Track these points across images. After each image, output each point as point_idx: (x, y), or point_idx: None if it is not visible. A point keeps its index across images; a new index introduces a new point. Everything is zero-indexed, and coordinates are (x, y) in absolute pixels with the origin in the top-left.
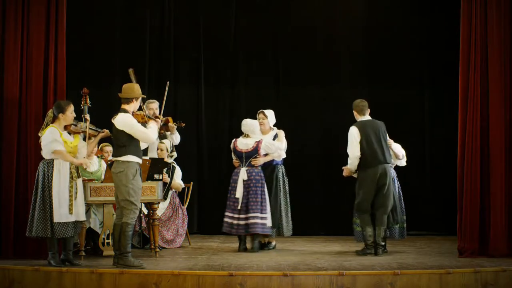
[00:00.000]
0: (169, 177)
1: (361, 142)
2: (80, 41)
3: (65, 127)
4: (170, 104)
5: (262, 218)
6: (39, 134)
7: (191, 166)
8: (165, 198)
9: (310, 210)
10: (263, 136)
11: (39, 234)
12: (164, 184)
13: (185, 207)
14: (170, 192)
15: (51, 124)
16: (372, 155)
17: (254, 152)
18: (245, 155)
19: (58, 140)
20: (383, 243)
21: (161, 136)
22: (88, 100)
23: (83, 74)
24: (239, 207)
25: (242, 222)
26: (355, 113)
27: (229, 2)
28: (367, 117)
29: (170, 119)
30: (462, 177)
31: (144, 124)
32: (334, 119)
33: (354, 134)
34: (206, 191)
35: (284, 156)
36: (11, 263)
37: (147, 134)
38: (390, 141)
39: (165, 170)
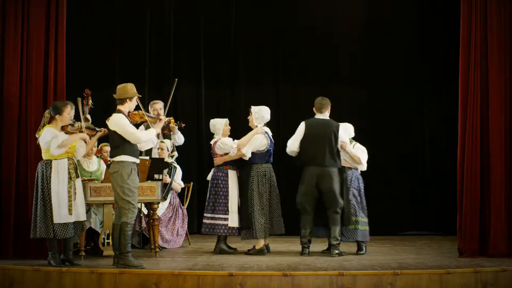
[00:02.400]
0: (169, 177)
1: (303, 140)
2: (80, 41)
3: (62, 128)
4: (170, 104)
5: (211, 218)
6: (36, 135)
7: (191, 166)
8: (165, 198)
9: None
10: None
11: (42, 235)
12: (165, 185)
13: (185, 207)
14: (170, 192)
15: (47, 125)
16: (311, 155)
17: (212, 153)
18: (212, 155)
19: (56, 135)
20: (335, 243)
21: (165, 136)
22: (90, 101)
23: (83, 74)
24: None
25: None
26: (314, 109)
27: (229, 2)
28: (323, 115)
29: (171, 119)
30: (462, 177)
31: (142, 124)
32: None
33: (299, 129)
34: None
35: (246, 156)
36: (11, 263)
37: (136, 135)
38: (344, 145)
39: (166, 171)
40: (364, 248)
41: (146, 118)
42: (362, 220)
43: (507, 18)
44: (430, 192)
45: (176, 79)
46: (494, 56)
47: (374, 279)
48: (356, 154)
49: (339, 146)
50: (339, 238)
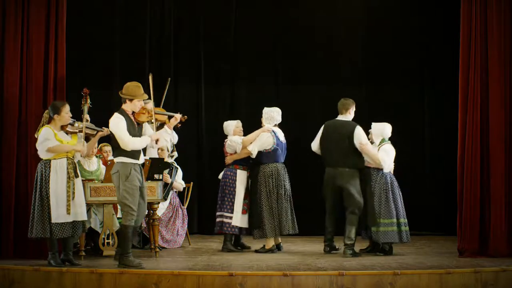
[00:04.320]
0: (170, 178)
1: (321, 141)
2: (80, 41)
3: (62, 127)
4: (170, 104)
5: (220, 216)
6: (35, 135)
7: (191, 166)
8: (165, 198)
9: (310, 210)
10: None
11: (39, 235)
12: (165, 184)
13: (185, 207)
14: (171, 192)
15: (46, 125)
16: (326, 155)
17: (223, 152)
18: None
19: (49, 138)
20: (348, 243)
21: None
22: (88, 100)
23: (83, 74)
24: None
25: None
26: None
27: (230, 2)
28: (344, 117)
29: (167, 120)
30: (462, 177)
31: (150, 123)
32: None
33: (320, 131)
34: (206, 191)
35: (252, 153)
36: (11, 263)
37: (124, 141)
38: (363, 147)
39: (167, 171)
40: (385, 249)
41: (155, 117)
42: (383, 222)
43: (507, 18)
44: (430, 192)
45: (169, 78)
46: (494, 56)
47: (374, 279)
48: (377, 157)
49: (358, 148)
50: (354, 239)
